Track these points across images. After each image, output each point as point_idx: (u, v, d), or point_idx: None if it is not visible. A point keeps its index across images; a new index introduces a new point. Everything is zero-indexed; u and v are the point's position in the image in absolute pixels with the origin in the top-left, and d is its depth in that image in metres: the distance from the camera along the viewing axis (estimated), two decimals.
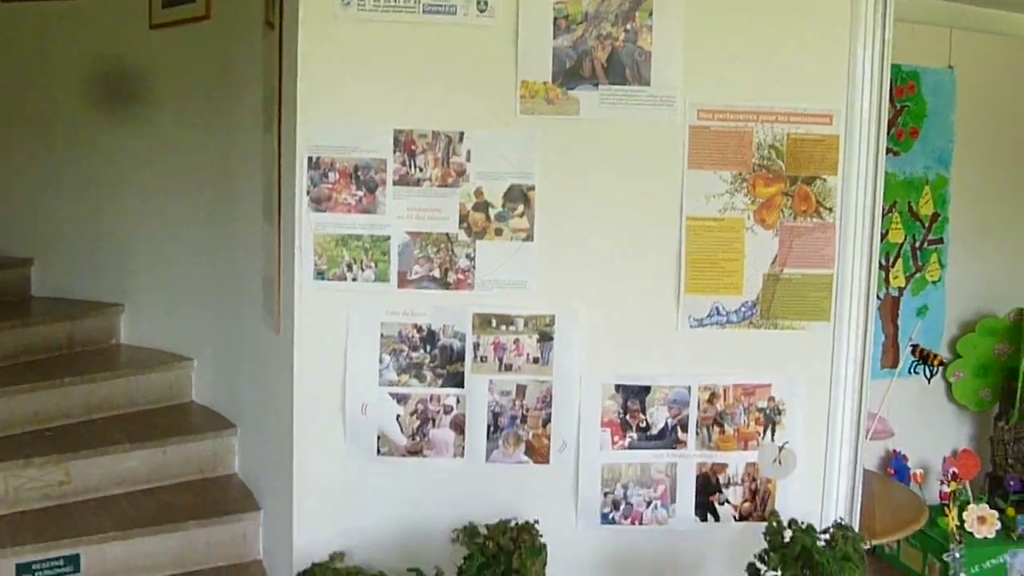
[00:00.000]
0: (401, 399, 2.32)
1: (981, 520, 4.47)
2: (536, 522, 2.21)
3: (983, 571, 4.44)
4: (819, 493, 2.44)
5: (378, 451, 2.34)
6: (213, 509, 3.31)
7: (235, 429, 3.48)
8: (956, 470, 4.58)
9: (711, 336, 2.35)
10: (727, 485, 2.40)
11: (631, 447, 2.36)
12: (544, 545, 2.18)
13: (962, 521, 4.46)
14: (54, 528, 3.17)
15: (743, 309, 2.38)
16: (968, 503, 4.51)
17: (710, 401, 2.37)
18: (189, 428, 3.60)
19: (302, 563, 2.17)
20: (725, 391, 2.37)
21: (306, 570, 2.16)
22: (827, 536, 2.14)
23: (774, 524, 2.15)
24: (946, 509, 4.48)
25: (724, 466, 2.40)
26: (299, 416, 2.37)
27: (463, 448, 2.34)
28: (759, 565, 2.08)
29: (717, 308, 2.37)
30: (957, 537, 4.39)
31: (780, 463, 2.40)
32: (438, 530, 2.21)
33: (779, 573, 2.09)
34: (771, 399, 2.39)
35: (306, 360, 2.36)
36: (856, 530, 2.21)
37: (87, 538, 3.13)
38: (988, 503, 4.58)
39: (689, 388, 2.36)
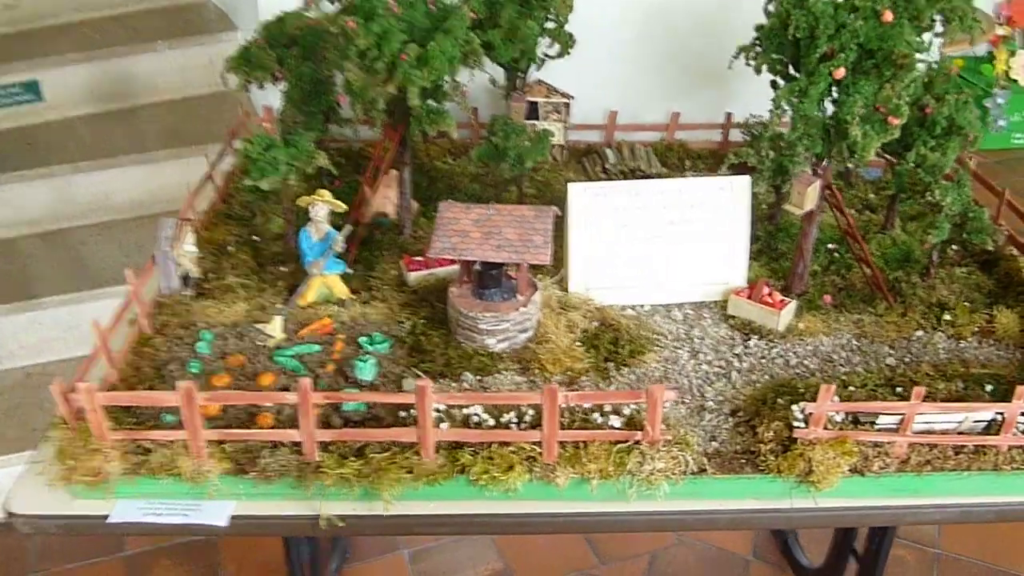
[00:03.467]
0: None
1: None
2: None
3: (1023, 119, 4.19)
4: None
5: None
6: (185, 30, 2.99)
7: None
8: (1011, 14, 4.15)
9: None
10: None
11: None
12: None
13: (1008, 68, 4.12)
14: (7, 54, 2.87)
15: None
16: (1017, 50, 4.14)
17: None
18: None
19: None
20: None
21: (276, 18, 1.84)
22: None
23: None
24: (993, 55, 4.12)
25: None
26: None
27: None
28: None
29: None
30: (1002, 82, 4.08)
31: None
32: None
33: None
34: None
35: None
36: None
37: (43, 60, 2.85)
38: None
39: None
